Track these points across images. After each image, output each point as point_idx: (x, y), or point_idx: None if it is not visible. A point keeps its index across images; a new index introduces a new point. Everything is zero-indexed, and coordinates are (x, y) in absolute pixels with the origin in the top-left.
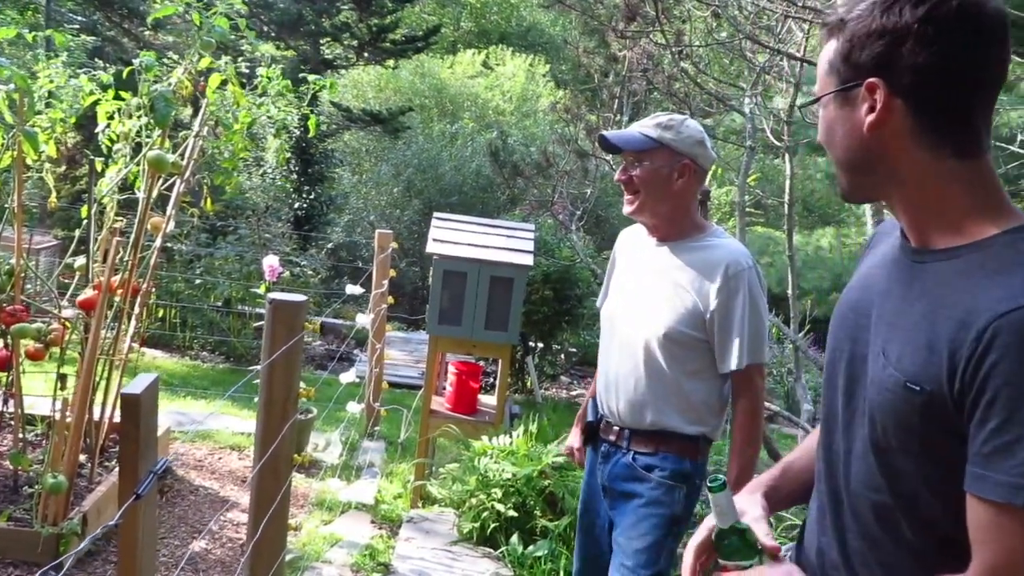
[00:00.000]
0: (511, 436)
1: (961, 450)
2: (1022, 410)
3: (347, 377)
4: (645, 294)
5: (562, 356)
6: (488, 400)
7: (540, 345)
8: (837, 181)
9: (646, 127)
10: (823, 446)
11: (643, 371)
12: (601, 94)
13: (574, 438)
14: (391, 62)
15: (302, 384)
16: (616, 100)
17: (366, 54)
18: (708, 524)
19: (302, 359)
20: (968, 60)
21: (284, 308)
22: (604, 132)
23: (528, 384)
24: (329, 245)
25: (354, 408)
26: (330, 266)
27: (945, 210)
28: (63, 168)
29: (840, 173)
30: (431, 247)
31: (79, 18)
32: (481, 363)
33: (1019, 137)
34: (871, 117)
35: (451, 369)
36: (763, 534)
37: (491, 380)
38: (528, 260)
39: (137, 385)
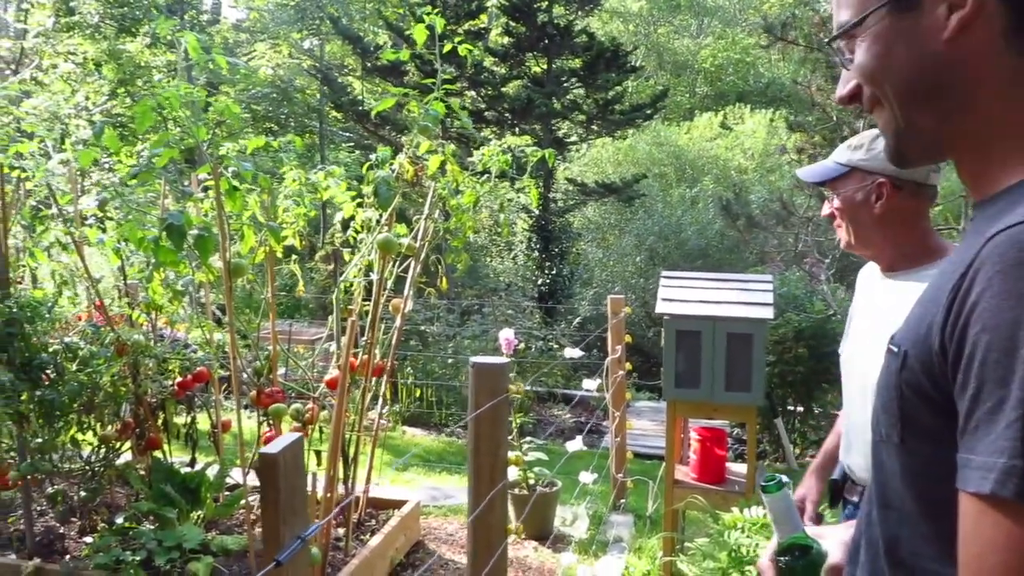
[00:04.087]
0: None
1: (945, 430)
2: (1004, 364)
3: (573, 445)
4: (876, 334)
5: (825, 419)
6: (738, 468)
7: (800, 408)
8: (887, 141)
9: (839, 153)
10: None
11: None
12: (842, 130)
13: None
14: (626, 134)
15: (516, 453)
16: (858, 135)
17: (595, 127)
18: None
19: (541, 439)
20: None
21: (485, 371)
22: (797, 170)
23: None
24: (577, 319)
25: (586, 478)
26: (578, 338)
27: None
28: (330, 265)
29: (894, 119)
30: (660, 307)
31: (348, 134)
32: (727, 428)
33: None
34: (956, 18)
35: (693, 435)
36: (835, 552)
37: (741, 447)
38: (767, 313)
39: (277, 444)
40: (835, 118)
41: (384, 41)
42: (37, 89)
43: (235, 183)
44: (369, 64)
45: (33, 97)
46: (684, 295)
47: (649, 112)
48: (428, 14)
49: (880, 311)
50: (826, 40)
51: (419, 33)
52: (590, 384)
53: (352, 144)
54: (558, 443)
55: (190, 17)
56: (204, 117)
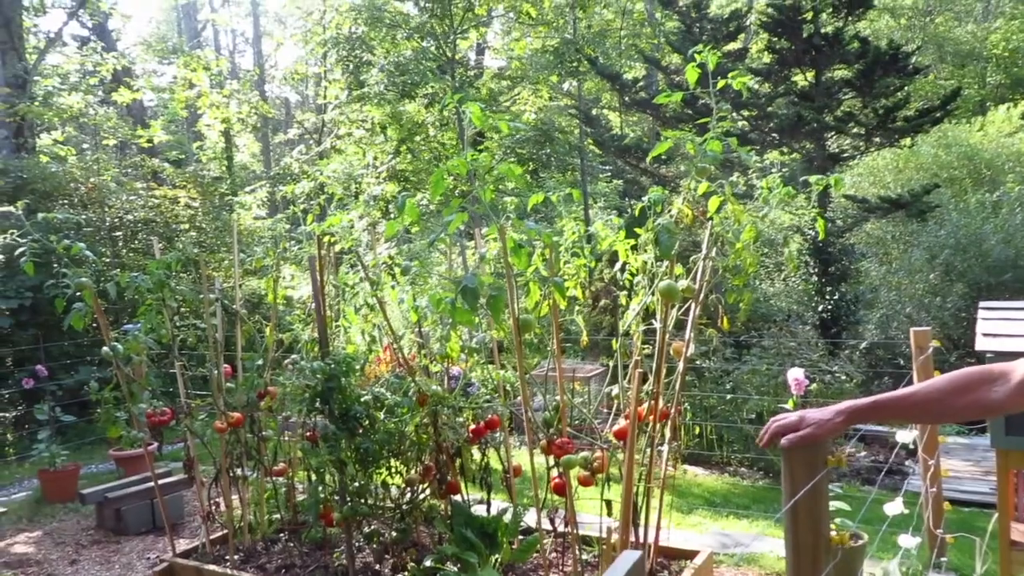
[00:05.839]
0: None
1: None
2: None
3: (893, 508)
4: None
5: None
6: None
7: None
8: None
9: None
10: None
11: None
12: None
13: None
14: (907, 141)
15: (839, 523)
16: None
17: (876, 139)
18: None
19: (836, 482)
20: None
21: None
22: None
23: None
24: (863, 345)
25: (908, 542)
26: (866, 368)
27: None
28: (603, 302)
29: None
30: (981, 343)
31: (608, 168)
32: None
33: None
34: None
35: None
36: None
37: None
38: None
39: (618, 569)
40: None
41: (640, 74)
42: (335, 155)
43: (520, 241)
44: (627, 99)
45: (332, 162)
46: (1011, 329)
47: (939, 115)
48: (699, 52)
49: None
50: None
51: (691, 74)
52: (906, 436)
53: (610, 174)
54: (855, 485)
55: (459, 74)
56: (490, 177)
